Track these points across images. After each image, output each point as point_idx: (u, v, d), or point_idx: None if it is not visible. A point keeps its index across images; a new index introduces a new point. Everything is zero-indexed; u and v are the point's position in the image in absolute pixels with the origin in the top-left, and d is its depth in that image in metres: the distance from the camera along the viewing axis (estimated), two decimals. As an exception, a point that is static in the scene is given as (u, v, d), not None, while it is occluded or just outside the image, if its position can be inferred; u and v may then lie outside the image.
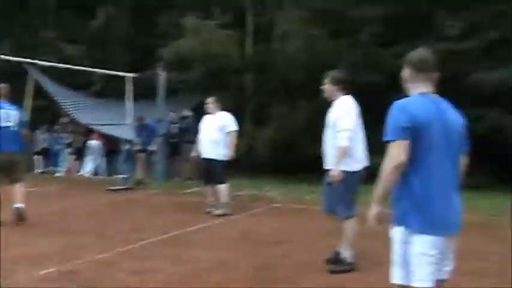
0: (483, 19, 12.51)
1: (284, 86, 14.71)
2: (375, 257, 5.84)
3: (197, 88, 15.51)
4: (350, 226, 5.51)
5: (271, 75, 14.80)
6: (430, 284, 3.07)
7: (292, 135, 14.34)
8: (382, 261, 5.78)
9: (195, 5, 16.00)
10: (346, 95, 5.48)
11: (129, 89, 13.30)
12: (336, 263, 5.53)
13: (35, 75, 13.91)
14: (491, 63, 11.75)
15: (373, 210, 3.13)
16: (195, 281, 5.24)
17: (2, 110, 8.03)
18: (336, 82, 5.48)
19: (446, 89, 3.52)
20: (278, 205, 10.41)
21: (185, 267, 5.70)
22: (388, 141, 3.05)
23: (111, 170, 14.76)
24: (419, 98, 3.14)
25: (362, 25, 13.59)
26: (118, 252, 6.26)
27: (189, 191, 12.08)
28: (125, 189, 12.40)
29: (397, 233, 3.13)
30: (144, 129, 13.49)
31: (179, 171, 14.76)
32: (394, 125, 3.04)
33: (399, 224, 3.12)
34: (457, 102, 3.36)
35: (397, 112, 3.06)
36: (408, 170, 3.03)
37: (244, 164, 12.81)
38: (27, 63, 13.51)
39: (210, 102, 9.22)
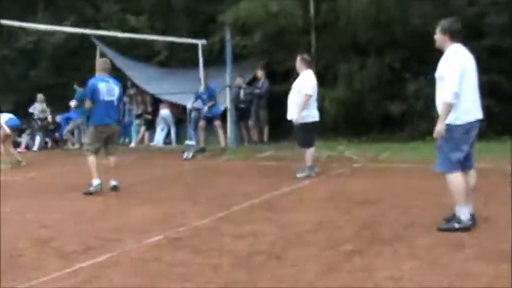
0: None
1: (351, 43, 14.31)
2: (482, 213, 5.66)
3: (261, 51, 15.33)
4: (449, 181, 5.26)
5: (337, 33, 14.39)
6: None
7: (360, 94, 14.01)
8: (490, 217, 5.62)
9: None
10: (456, 44, 5.20)
11: (200, 56, 13.21)
12: (449, 221, 5.33)
13: (101, 48, 14.04)
14: None
15: None
16: (302, 242, 5.14)
17: (103, 84, 8.15)
18: (445, 31, 5.21)
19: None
20: (359, 165, 10.20)
21: (287, 229, 5.61)
22: None
23: (182, 139, 14.79)
24: None
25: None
26: (217, 217, 6.23)
27: (263, 155, 11.99)
28: (198, 151, 12.50)
29: None
30: (206, 92, 13.26)
31: (248, 136, 14.70)
32: None
33: None
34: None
35: None
36: None
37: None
38: (95, 36, 13.63)
39: (297, 61, 8.94)
